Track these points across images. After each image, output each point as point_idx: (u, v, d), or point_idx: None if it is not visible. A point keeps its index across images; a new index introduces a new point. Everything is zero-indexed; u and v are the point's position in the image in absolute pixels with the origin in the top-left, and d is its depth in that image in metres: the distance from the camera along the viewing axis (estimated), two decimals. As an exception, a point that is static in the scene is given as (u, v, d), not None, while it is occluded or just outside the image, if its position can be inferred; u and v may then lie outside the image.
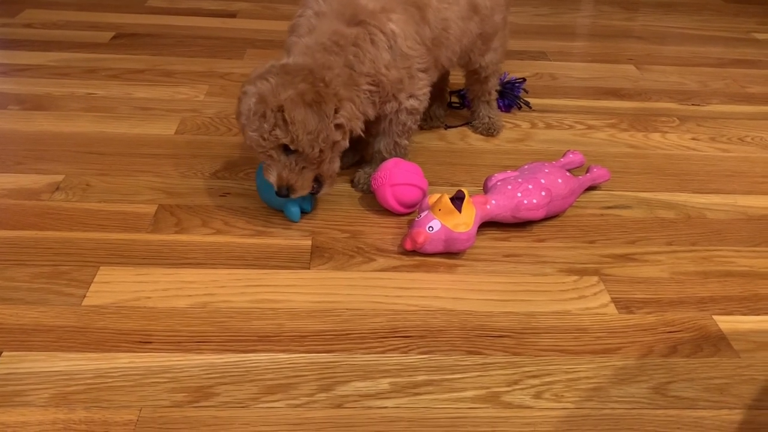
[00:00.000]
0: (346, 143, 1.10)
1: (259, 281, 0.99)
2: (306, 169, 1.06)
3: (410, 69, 1.16)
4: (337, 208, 1.18)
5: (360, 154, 1.30)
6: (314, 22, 1.11)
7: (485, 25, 1.31)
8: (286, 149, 1.04)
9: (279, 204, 1.13)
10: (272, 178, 1.06)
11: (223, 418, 0.78)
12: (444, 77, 1.48)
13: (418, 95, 1.19)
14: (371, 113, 1.14)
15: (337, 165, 1.12)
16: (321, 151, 1.05)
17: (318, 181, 1.10)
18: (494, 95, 1.48)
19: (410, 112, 1.19)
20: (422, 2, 1.16)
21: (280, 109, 1.01)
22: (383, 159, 1.21)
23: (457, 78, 1.52)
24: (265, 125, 1.02)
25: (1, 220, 1.09)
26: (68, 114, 1.46)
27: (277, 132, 1.02)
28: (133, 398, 0.79)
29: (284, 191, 1.06)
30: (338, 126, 1.07)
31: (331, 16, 1.11)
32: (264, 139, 1.03)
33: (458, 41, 1.25)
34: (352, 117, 1.09)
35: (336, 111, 1.05)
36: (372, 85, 1.12)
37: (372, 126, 1.21)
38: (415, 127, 1.23)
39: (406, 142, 1.24)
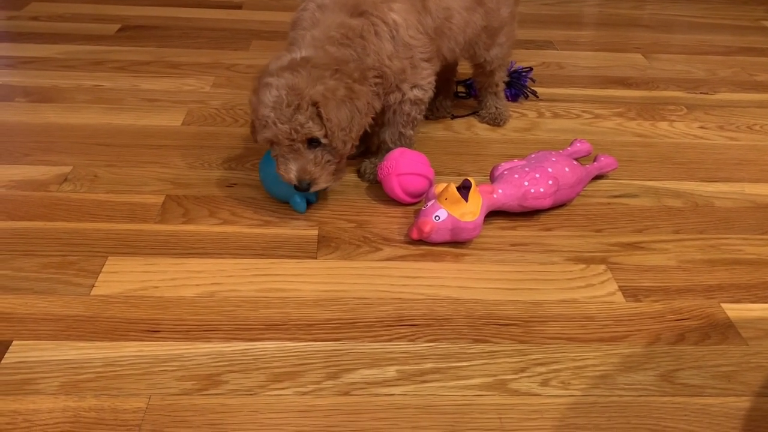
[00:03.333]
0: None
1: (266, 270, 1.00)
2: (329, 162, 1.06)
3: (413, 59, 1.15)
4: (343, 198, 1.18)
5: (366, 144, 1.30)
6: (318, 16, 1.11)
7: (491, 18, 1.30)
8: (311, 142, 1.04)
9: (285, 195, 1.13)
10: (291, 173, 1.05)
11: (232, 405, 0.78)
12: (451, 68, 1.47)
13: (422, 85, 1.19)
14: (378, 106, 1.14)
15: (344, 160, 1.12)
16: (353, 146, 1.07)
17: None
18: (502, 86, 1.48)
19: (414, 102, 1.19)
20: None
21: (315, 103, 1.01)
22: (389, 149, 1.21)
23: (463, 68, 1.52)
24: (300, 117, 1.01)
25: (10, 211, 1.10)
26: (75, 106, 1.46)
27: (312, 125, 1.01)
28: (142, 386, 0.80)
29: (305, 185, 1.06)
30: None
31: (333, 8, 1.10)
32: (297, 132, 1.02)
33: (461, 32, 1.24)
34: (369, 112, 1.09)
35: (368, 105, 1.06)
36: (377, 77, 1.12)
37: (377, 116, 1.21)
38: (420, 117, 1.23)
39: (411, 132, 1.23)
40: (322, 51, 1.07)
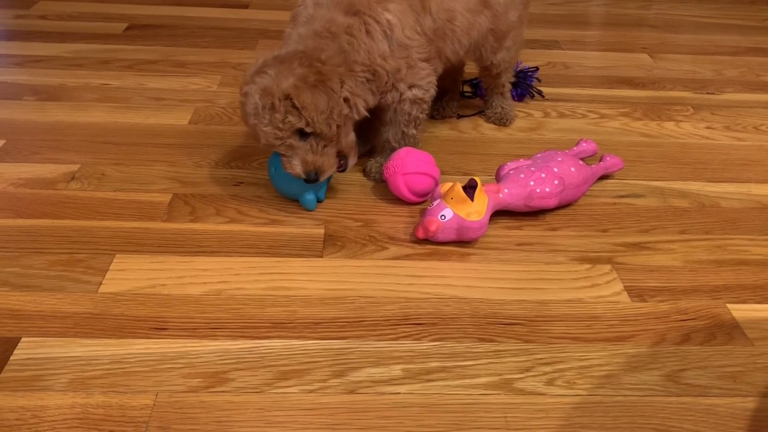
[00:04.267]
0: (354, 115, 1.11)
1: (272, 269, 1.00)
2: (327, 147, 1.07)
3: (409, 58, 1.15)
4: (349, 197, 1.19)
5: (371, 143, 1.30)
6: (312, 12, 1.12)
7: (498, 21, 1.30)
8: (302, 134, 1.05)
9: (294, 193, 1.13)
10: (297, 168, 1.06)
11: (238, 403, 0.79)
12: (458, 69, 1.47)
13: (420, 84, 1.18)
14: (371, 100, 1.14)
15: (352, 136, 1.13)
16: (338, 126, 1.06)
17: (342, 156, 1.11)
18: (508, 87, 1.48)
19: (414, 101, 1.19)
20: None
21: (288, 97, 1.01)
22: (393, 149, 1.21)
23: (469, 67, 1.52)
24: (277, 115, 1.02)
25: (18, 209, 1.10)
26: (83, 104, 1.47)
27: (291, 118, 1.02)
28: (149, 383, 0.80)
29: (313, 175, 1.06)
30: (345, 99, 1.07)
31: (328, 5, 1.11)
32: (280, 130, 1.03)
33: (465, 34, 1.24)
34: (354, 93, 1.09)
35: (342, 84, 1.06)
36: (368, 73, 1.12)
37: (379, 114, 1.21)
38: (422, 116, 1.22)
39: (414, 131, 1.23)
40: (302, 45, 1.07)
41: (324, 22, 1.09)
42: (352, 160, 1.12)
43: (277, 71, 1.03)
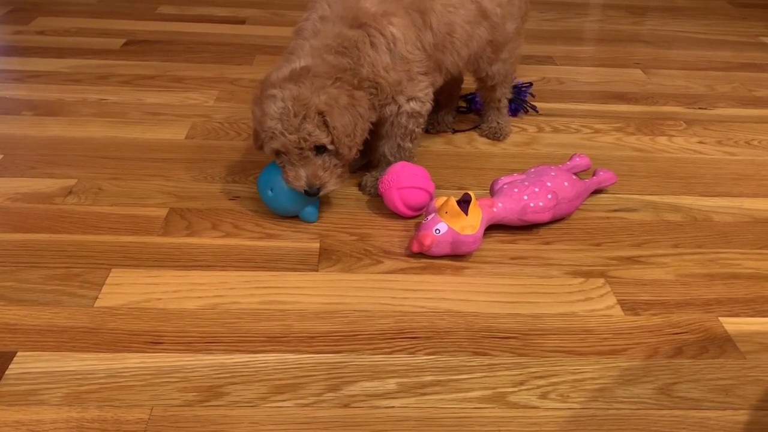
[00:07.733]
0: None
1: (268, 283, 1.01)
2: (336, 166, 1.10)
3: (410, 72, 1.17)
4: (344, 211, 1.20)
5: (367, 158, 1.31)
6: (319, 26, 1.13)
7: (496, 32, 1.32)
8: (319, 149, 1.07)
9: (294, 209, 1.14)
10: (302, 180, 1.08)
11: (233, 417, 0.79)
12: (456, 84, 1.48)
13: (419, 97, 1.20)
14: (373, 116, 1.16)
15: None
16: (357, 150, 1.10)
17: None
18: (505, 102, 1.49)
19: (411, 115, 1.20)
20: (425, 7, 1.17)
21: (321, 112, 1.04)
22: (389, 162, 1.22)
23: (464, 82, 1.53)
24: (308, 126, 1.04)
25: (15, 224, 1.11)
26: (80, 119, 1.48)
27: (318, 133, 1.04)
28: (144, 397, 0.81)
29: (315, 190, 1.08)
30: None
31: (334, 20, 1.13)
32: (304, 141, 1.05)
33: (465, 45, 1.25)
34: (370, 117, 1.12)
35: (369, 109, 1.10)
36: (372, 88, 1.13)
37: (375, 128, 1.22)
38: (418, 130, 1.24)
39: (410, 145, 1.24)
40: (320, 60, 1.09)
41: (334, 36, 1.11)
42: (341, 186, 1.14)
43: (312, 84, 1.05)
